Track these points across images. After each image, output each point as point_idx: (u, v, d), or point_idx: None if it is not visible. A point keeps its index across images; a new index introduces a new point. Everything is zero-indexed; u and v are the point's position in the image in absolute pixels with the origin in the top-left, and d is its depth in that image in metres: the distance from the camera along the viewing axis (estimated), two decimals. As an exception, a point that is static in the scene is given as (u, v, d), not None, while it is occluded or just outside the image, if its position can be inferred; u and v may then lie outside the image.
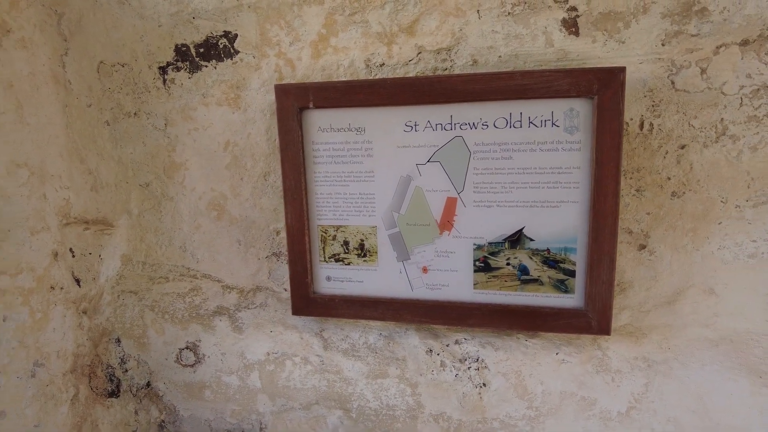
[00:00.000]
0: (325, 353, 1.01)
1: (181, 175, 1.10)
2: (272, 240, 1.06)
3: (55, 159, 1.15)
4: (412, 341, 0.98)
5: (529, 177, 0.87)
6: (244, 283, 1.09)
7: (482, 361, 0.95)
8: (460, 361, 0.95)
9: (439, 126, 0.90)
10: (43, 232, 1.12)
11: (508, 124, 0.87)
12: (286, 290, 1.06)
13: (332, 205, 0.97)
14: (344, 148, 0.95)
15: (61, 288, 1.15)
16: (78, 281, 1.16)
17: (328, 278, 1.00)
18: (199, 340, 1.09)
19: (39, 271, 1.11)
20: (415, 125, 0.91)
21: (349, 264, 0.98)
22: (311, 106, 0.94)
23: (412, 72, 0.93)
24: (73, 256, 1.16)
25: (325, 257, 0.99)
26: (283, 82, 0.99)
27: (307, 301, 0.99)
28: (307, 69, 0.99)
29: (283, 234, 1.05)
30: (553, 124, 0.86)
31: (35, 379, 1.10)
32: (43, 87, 1.12)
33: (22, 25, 1.06)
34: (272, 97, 1.01)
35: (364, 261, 0.97)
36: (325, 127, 0.95)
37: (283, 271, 1.06)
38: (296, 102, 0.94)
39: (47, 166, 1.13)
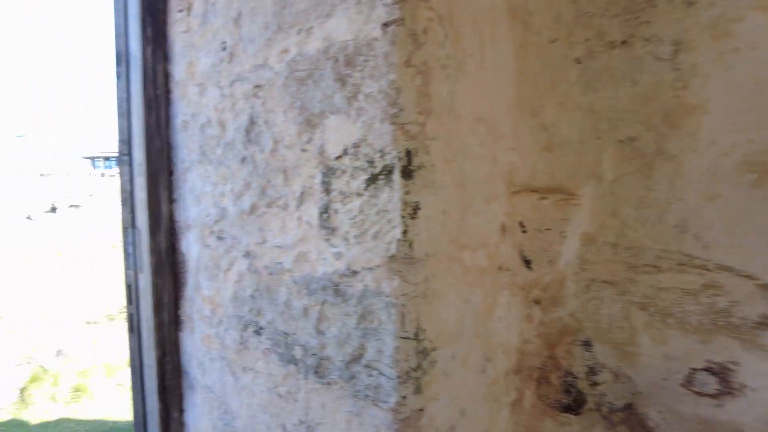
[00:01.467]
0: None
1: (693, 122, 0.77)
2: None
3: (503, 114, 0.95)
4: None
5: None
6: (798, 284, 0.70)
7: None
8: None
9: None
10: (494, 201, 0.93)
11: None
12: None
13: None
14: None
15: (508, 269, 0.96)
16: (528, 262, 0.95)
17: None
18: (734, 362, 0.74)
19: (490, 248, 0.93)
20: None
21: None
22: None
23: None
24: (524, 232, 0.95)
25: None
26: None
27: None
28: None
29: None
30: None
31: (484, 375, 0.92)
32: (499, 25, 0.93)
33: (490, -54, 0.87)
34: None
35: None
36: None
37: None
38: None
39: (498, 122, 0.94)
